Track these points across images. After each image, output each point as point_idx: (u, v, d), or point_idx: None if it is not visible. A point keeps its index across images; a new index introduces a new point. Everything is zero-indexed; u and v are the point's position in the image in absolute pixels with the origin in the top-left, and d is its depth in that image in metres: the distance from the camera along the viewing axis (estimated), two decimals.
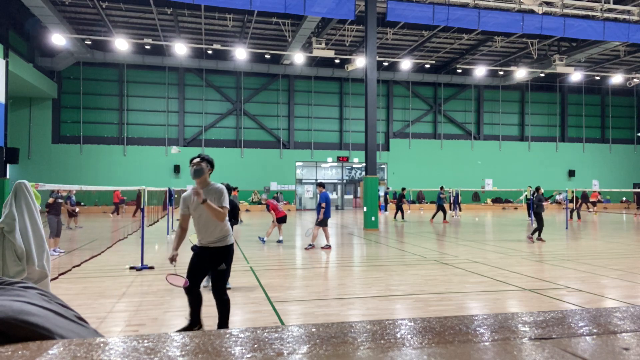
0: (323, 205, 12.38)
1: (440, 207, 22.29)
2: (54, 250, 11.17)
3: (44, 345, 0.63)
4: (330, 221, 22.89)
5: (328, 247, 12.37)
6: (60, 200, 11.92)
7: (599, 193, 29.84)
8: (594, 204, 27.23)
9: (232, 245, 5.02)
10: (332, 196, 37.28)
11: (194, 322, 5.04)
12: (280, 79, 34.99)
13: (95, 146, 31.76)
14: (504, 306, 6.56)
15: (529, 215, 20.99)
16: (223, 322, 5.03)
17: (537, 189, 14.85)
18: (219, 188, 4.94)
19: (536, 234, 14.20)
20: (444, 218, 22.12)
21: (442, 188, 23.56)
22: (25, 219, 3.88)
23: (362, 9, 20.93)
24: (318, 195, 13.01)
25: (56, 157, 30.84)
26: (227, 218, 4.92)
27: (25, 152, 29.72)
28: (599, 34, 22.96)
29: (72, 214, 17.53)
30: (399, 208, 23.73)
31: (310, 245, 12.33)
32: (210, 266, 4.96)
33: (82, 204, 29.64)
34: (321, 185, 12.76)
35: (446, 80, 36.26)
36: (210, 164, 5.03)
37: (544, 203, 14.55)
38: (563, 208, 21.17)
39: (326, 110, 36.10)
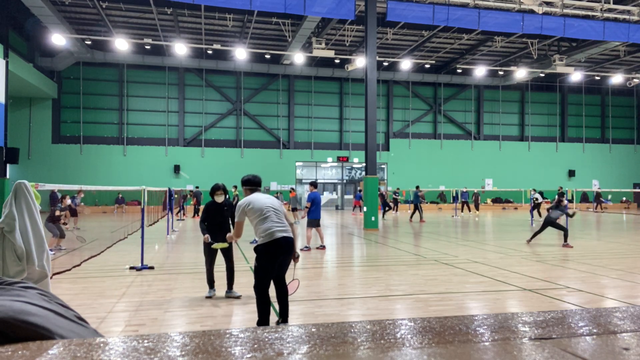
0: (307, 205, 12.28)
1: (417, 207, 22.63)
2: (52, 250, 11.18)
3: (44, 345, 0.63)
4: (330, 221, 22.88)
5: (322, 247, 12.33)
6: (56, 208, 12.12)
7: None
8: None
9: (258, 246, 5.20)
10: (332, 196, 37.21)
11: (283, 318, 5.35)
12: (280, 79, 34.98)
13: (95, 146, 31.76)
14: (504, 306, 6.56)
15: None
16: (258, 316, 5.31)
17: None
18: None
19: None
20: (421, 218, 22.42)
21: (417, 187, 23.68)
22: (25, 219, 3.88)
23: (362, 9, 20.93)
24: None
25: (56, 157, 30.84)
26: (260, 224, 5.20)
27: (25, 152, 29.72)
28: (599, 34, 22.96)
29: (73, 214, 17.75)
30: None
31: (306, 247, 12.29)
32: None
33: (82, 204, 29.61)
34: (312, 184, 12.55)
35: (446, 80, 36.26)
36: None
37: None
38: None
39: (326, 110, 36.09)
